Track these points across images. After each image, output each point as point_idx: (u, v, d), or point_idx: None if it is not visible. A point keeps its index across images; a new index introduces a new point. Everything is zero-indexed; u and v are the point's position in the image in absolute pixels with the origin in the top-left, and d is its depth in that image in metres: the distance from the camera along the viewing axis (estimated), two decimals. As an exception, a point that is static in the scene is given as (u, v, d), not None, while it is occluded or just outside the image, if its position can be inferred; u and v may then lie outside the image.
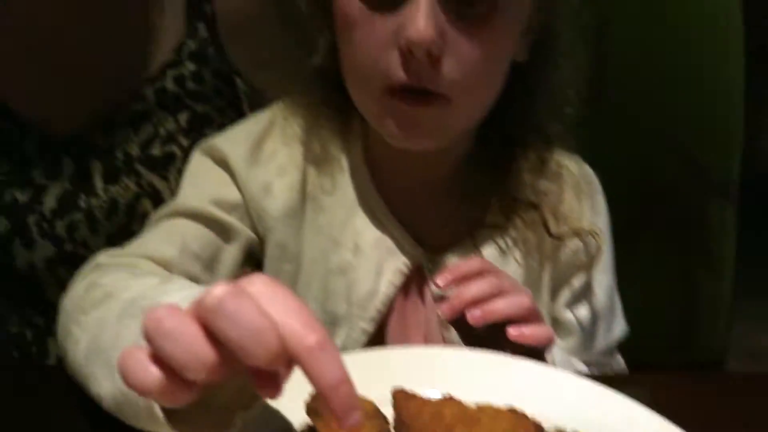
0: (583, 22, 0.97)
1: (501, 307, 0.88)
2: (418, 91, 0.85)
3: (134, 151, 1.20)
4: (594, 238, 1.05)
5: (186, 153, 1.21)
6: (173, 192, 1.19)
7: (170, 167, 1.20)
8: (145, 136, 1.20)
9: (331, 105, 1.02)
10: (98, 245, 1.17)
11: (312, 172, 1.04)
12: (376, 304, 1.00)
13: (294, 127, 1.04)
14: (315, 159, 1.03)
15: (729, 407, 0.86)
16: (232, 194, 1.02)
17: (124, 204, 1.17)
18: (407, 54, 0.82)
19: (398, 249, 1.02)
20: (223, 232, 1.01)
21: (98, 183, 1.18)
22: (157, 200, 1.18)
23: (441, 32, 0.81)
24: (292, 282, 1.03)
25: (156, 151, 1.20)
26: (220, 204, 1.01)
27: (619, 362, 1.15)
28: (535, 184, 1.03)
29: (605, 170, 1.14)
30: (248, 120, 1.09)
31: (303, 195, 1.03)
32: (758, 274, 2.33)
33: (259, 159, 1.03)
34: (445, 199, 1.04)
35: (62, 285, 1.17)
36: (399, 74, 0.84)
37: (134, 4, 1.20)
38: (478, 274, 0.90)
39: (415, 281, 1.03)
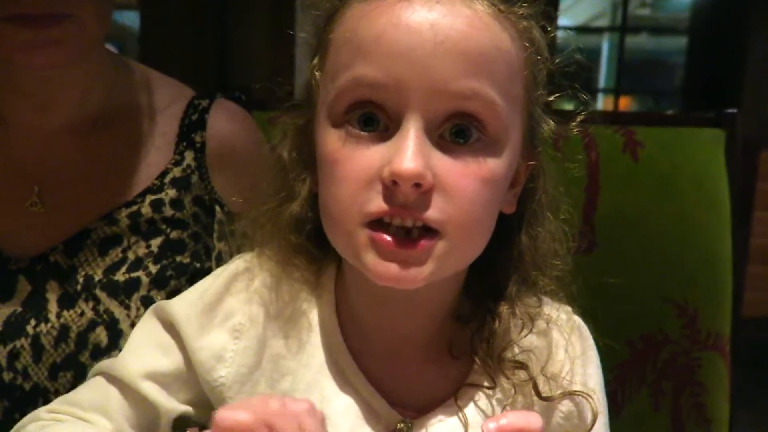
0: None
1: None
2: (401, 231, 0.79)
3: (97, 275, 1.14)
4: (588, 401, 0.97)
5: (152, 280, 1.15)
6: (132, 322, 1.12)
7: (133, 294, 1.13)
8: (112, 260, 1.15)
9: (304, 253, 0.96)
10: (40, 375, 1.07)
11: (275, 332, 0.96)
12: None
13: (260, 280, 0.97)
14: (280, 316, 0.96)
15: None
16: (173, 363, 0.95)
17: (75, 332, 1.09)
18: (391, 186, 0.77)
19: (371, 416, 0.92)
20: (150, 410, 0.94)
21: (52, 308, 1.10)
22: (113, 330, 1.10)
23: (430, 166, 0.77)
24: None
25: (120, 276, 1.14)
26: (154, 377, 0.94)
27: None
28: (523, 342, 0.95)
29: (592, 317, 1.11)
30: (208, 277, 1.02)
31: (260, 359, 0.95)
32: (749, 420, 2.22)
33: (212, 322, 0.95)
34: (426, 356, 0.95)
35: None
36: (379, 204, 0.79)
37: (124, 138, 1.21)
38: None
39: None
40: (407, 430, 0.93)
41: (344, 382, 0.94)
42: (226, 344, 0.94)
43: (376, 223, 0.80)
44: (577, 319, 1.02)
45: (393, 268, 0.81)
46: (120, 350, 1.05)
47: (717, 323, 1.56)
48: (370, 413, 0.93)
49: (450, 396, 0.94)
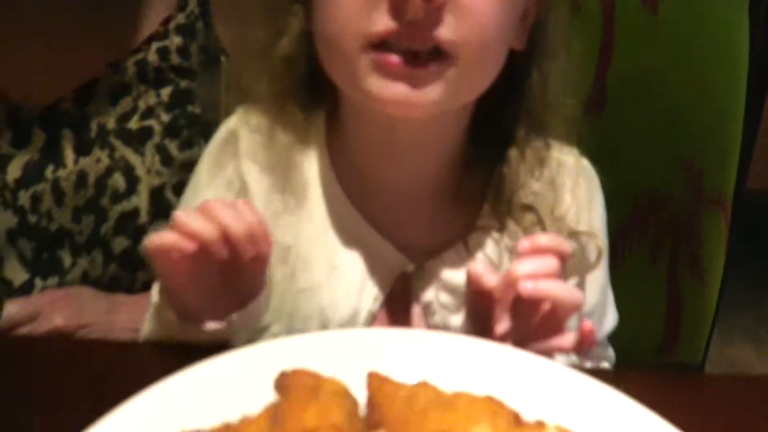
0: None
1: (556, 289, 0.79)
2: (409, 55, 0.76)
3: (110, 123, 1.15)
4: (593, 241, 1.01)
5: (165, 128, 1.16)
6: (148, 169, 1.15)
7: (147, 142, 1.15)
8: (123, 109, 1.16)
9: (295, 99, 0.94)
10: (63, 218, 1.12)
11: (271, 188, 0.97)
12: (359, 325, 0.94)
13: (248, 140, 0.97)
14: (274, 171, 0.96)
15: (710, 408, 0.83)
16: None
17: (93, 177, 1.12)
18: (399, 1, 0.72)
19: (379, 263, 0.95)
20: None
21: (68, 154, 1.13)
22: (130, 176, 1.14)
23: None
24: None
25: (133, 125, 1.15)
26: None
27: (610, 354, 1.11)
28: (532, 185, 0.97)
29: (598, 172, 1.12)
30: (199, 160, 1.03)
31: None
32: (742, 286, 2.32)
33: (207, 195, 0.97)
34: (433, 203, 0.97)
35: (22, 259, 1.13)
36: (385, 22, 0.73)
37: None
38: (546, 250, 0.81)
39: (400, 292, 0.98)
40: (416, 273, 0.98)
41: (348, 234, 0.96)
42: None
43: (381, 47, 0.76)
44: (585, 162, 1.04)
45: (400, 88, 0.76)
46: (138, 195, 1.09)
47: (722, 182, 1.57)
48: (377, 260, 0.96)
49: (459, 240, 0.98)
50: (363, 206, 0.97)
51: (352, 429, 0.65)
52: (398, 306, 0.98)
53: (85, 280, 1.20)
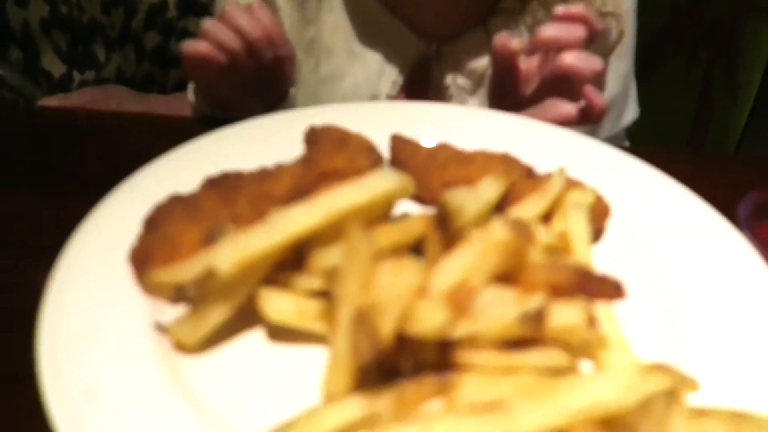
0: None
1: (572, 58, 0.79)
2: None
3: None
4: (616, 21, 0.99)
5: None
6: None
7: None
8: None
9: None
10: (93, 9, 1.14)
11: None
12: None
13: None
14: None
15: (730, 183, 0.85)
16: None
17: None
18: None
19: (399, 46, 0.97)
20: None
21: None
22: None
23: None
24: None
25: None
26: None
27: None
28: None
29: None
30: None
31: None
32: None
33: None
34: None
35: (58, 51, 1.17)
36: None
37: None
38: (578, 19, 0.79)
39: (418, 76, 1.00)
40: (434, 57, 0.99)
41: (367, 20, 0.97)
42: None
43: None
44: None
45: None
46: None
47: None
48: (396, 45, 0.98)
49: (477, 24, 0.97)
50: None
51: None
52: (416, 90, 1.01)
53: (121, 76, 1.24)
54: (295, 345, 0.53)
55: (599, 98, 0.82)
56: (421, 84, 1.00)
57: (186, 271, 0.48)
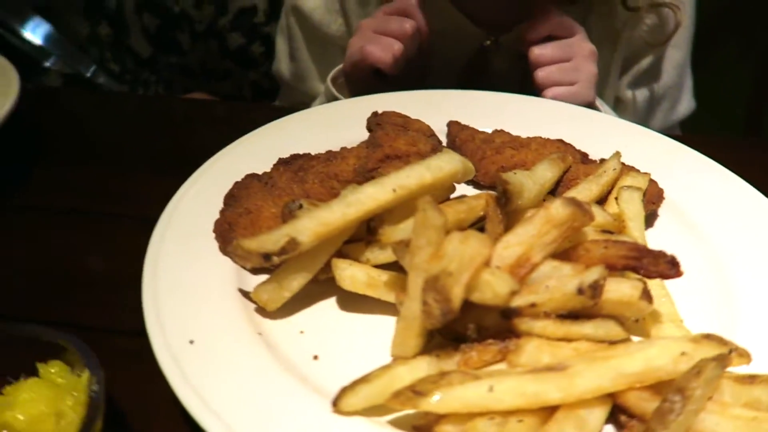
0: None
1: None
2: None
3: None
4: (674, 11, 0.99)
5: None
6: None
7: None
8: None
9: None
10: (187, 2, 1.21)
11: None
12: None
13: None
14: None
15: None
16: None
17: None
18: None
19: (459, 36, 1.01)
20: None
21: None
22: None
23: None
24: None
25: None
26: None
27: None
28: None
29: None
30: None
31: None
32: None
33: None
34: None
35: (145, 33, 1.25)
36: None
37: None
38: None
39: (476, 65, 1.04)
40: (494, 45, 1.02)
41: (434, 12, 0.99)
42: None
43: None
44: None
45: None
46: None
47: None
48: (457, 33, 1.01)
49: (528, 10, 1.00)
50: None
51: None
52: (473, 77, 1.04)
53: (203, 67, 1.33)
54: (364, 311, 0.58)
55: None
56: (477, 72, 1.03)
57: (272, 241, 0.53)
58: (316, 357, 0.54)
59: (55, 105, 1.00)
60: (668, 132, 1.14)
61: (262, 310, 0.57)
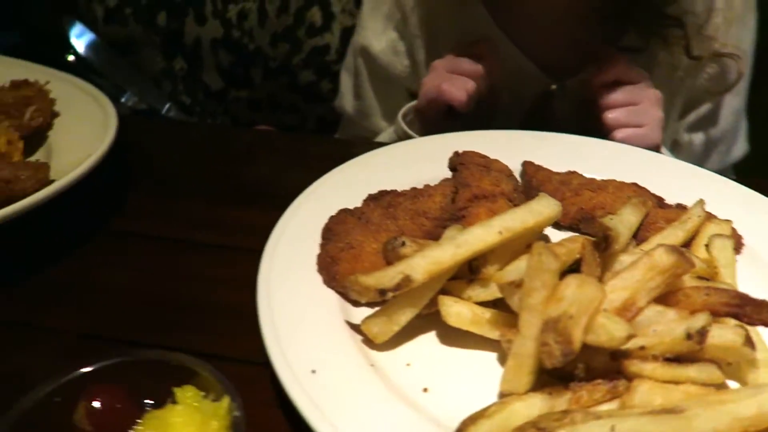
0: None
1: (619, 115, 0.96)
2: None
3: None
4: (735, 61, 1.03)
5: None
6: (343, 8, 1.26)
7: None
8: None
9: None
10: (261, 40, 1.26)
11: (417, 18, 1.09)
12: None
13: None
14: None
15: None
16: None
17: (294, 6, 1.24)
18: None
19: (525, 80, 1.05)
20: None
21: None
22: (326, 12, 1.25)
23: None
24: None
25: None
26: None
27: None
28: (683, 1, 0.99)
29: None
30: None
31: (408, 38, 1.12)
32: None
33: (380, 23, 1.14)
34: (577, 21, 1.03)
35: (219, 68, 1.31)
36: None
37: None
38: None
39: (539, 108, 1.08)
40: (559, 90, 1.06)
41: (505, 59, 1.05)
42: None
43: None
44: None
45: None
46: (331, 32, 1.21)
47: None
48: (523, 77, 1.06)
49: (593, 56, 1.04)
50: (508, 28, 1.04)
51: (517, 200, 0.78)
52: (536, 119, 1.08)
53: (271, 100, 1.38)
54: (465, 345, 0.61)
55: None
56: (541, 115, 1.07)
57: (388, 277, 0.57)
58: (425, 389, 0.57)
59: (141, 134, 1.05)
60: (722, 174, 1.17)
61: (369, 342, 0.60)
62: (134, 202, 0.87)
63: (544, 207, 0.62)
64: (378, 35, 1.13)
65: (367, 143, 1.08)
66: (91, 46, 1.30)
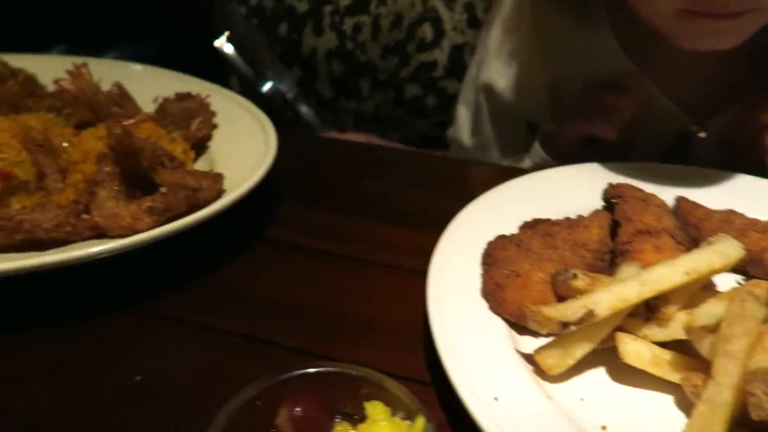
0: None
1: None
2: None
3: None
4: None
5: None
6: (454, 25, 1.28)
7: None
8: None
9: None
10: (373, 53, 1.31)
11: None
12: None
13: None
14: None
15: None
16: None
17: (407, 22, 1.28)
18: None
19: (662, 121, 1.03)
20: None
21: None
22: (437, 28, 1.28)
23: None
24: None
25: None
26: None
27: None
28: None
29: None
30: None
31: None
32: None
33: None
34: (721, 62, 0.99)
35: (331, 77, 1.36)
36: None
37: None
38: None
39: (678, 148, 1.05)
40: (699, 131, 1.04)
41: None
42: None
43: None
44: None
45: (707, 41, 0.86)
46: (441, 49, 1.24)
47: None
48: (663, 116, 1.03)
49: (740, 100, 1.00)
50: (642, 64, 1.02)
51: (679, 237, 0.76)
52: (675, 159, 1.05)
53: (377, 112, 1.42)
54: (638, 384, 0.60)
55: None
56: (680, 155, 1.05)
57: (572, 311, 0.57)
58: (604, 427, 0.56)
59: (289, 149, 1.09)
60: None
61: (540, 373, 0.60)
62: (285, 212, 0.90)
63: (730, 249, 0.61)
64: (502, 73, 1.14)
65: (505, 170, 1.08)
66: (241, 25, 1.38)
